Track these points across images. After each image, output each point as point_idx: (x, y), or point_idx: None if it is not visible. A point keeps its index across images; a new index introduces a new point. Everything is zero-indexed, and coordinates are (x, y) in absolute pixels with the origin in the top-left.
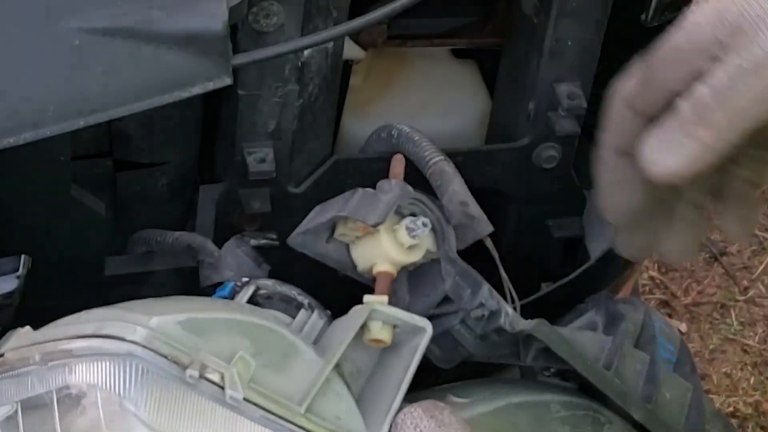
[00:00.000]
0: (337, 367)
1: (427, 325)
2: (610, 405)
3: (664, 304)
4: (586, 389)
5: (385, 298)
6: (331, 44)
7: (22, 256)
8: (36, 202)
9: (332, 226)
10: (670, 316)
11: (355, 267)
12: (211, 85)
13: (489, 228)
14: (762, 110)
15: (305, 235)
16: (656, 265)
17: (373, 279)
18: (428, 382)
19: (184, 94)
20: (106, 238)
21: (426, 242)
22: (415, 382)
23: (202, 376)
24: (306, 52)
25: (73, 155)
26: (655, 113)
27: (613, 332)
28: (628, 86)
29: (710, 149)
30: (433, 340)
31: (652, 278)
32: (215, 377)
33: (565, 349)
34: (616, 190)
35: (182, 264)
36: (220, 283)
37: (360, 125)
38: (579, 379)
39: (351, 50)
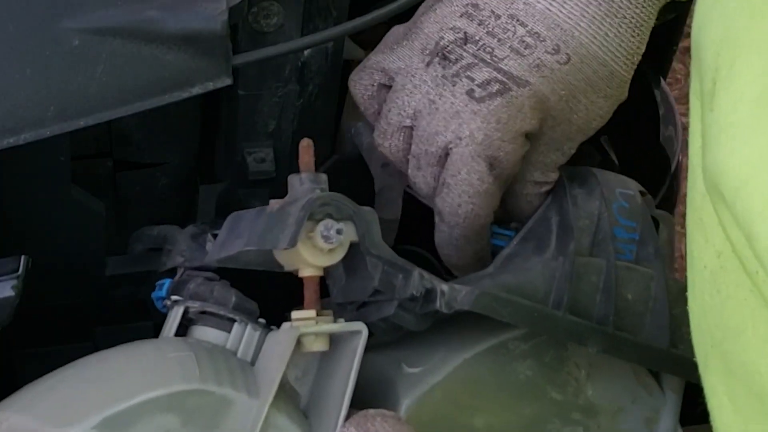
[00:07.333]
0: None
1: (363, 328)
2: None
3: None
4: None
5: (312, 312)
6: (331, 44)
7: (22, 256)
8: (36, 202)
9: None
10: None
11: (282, 267)
12: (211, 85)
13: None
14: None
15: (221, 262)
16: None
17: (301, 283)
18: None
19: (184, 94)
20: (106, 238)
21: (349, 235)
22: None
23: None
24: (306, 52)
25: (73, 155)
26: None
27: (564, 252)
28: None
29: None
30: (379, 320)
31: None
32: None
33: (508, 312)
34: None
35: None
36: (173, 270)
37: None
38: None
39: (351, 50)
